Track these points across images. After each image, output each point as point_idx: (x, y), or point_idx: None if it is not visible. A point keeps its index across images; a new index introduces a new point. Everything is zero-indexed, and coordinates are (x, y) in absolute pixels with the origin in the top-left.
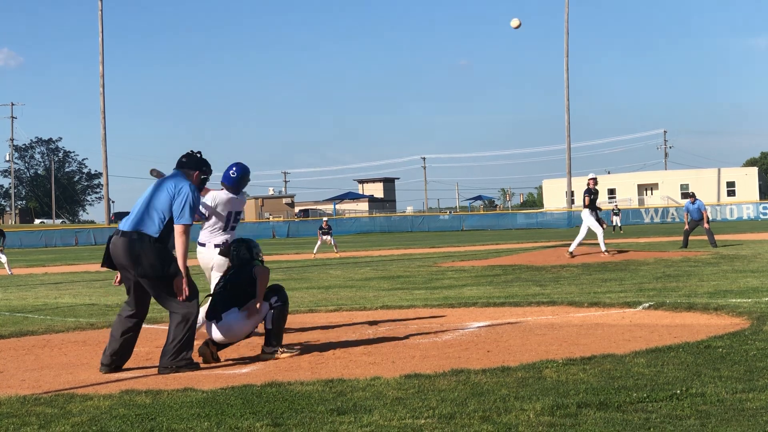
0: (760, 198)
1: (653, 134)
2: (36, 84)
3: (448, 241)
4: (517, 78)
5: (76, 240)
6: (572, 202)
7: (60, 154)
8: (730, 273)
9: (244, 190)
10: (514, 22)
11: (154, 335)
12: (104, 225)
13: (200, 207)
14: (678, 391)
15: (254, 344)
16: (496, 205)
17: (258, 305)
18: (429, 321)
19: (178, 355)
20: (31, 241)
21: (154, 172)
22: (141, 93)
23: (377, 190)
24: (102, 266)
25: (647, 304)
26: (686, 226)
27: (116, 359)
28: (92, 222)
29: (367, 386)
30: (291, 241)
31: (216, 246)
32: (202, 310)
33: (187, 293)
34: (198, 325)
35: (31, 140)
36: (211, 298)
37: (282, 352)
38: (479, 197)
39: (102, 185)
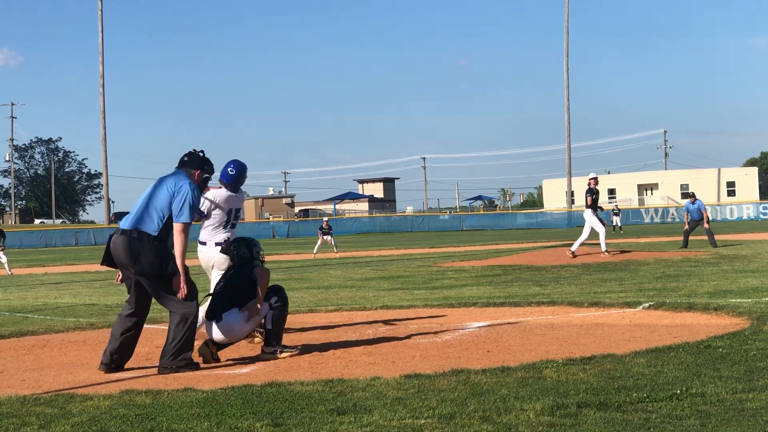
0: (760, 198)
1: (653, 134)
2: (36, 84)
3: (448, 241)
4: (517, 78)
5: (76, 240)
6: (572, 202)
7: (60, 154)
8: (730, 273)
9: (242, 187)
10: None
11: (154, 335)
12: (104, 225)
13: (200, 206)
14: (678, 391)
15: (254, 344)
16: (496, 205)
17: (258, 306)
18: (429, 321)
19: (178, 356)
20: (31, 241)
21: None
22: (141, 93)
23: (377, 190)
24: (101, 264)
25: (647, 304)
26: (686, 226)
27: (116, 358)
28: (92, 222)
29: (367, 386)
30: (291, 241)
31: (217, 244)
32: (202, 310)
33: (185, 292)
34: (198, 325)
35: (31, 140)
36: (211, 297)
37: (282, 352)
38: (479, 197)
39: (102, 185)
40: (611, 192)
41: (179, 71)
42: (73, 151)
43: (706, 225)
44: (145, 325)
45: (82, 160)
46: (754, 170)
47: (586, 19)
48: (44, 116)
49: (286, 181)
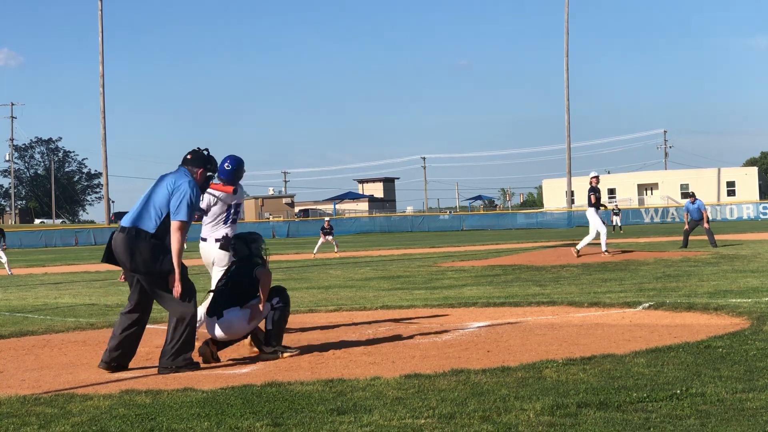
0: (760, 198)
1: (653, 134)
2: (36, 84)
3: (448, 241)
4: (517, 78)
5: (76, 240)
6: (572, 202)
7: (60, 154)
8: (730, 273)
9: (240, 183)
10: None
11: (154, 335)
12: (104, 225)
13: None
14: (678, 391)
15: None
16: (496, 205)
17: (261, 307)
18: (429, 321)
19: (177, 356)
20: (31, 241)
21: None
22: (141, 93)
23: (377, 190)
24: (102, 261)
25: (647, 304)
26: (686, 226)
27: (116, 357)
28: (92, 222)
29: (367, 386)
30: (291, 241)
31: (216, 240)
32: (203, 309)
33: (179, 290)
34: (198, 325)
35: (31, 140)
36: (212, 294)
37: (283, 353)
38: (479, 197)
39: (102, 185)
40: (611, 192)
41: (179, 71)
42: (73, 151)
43: (706, 225)
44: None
45: (82, 160)
46: (754, 170)
47: (586, 19)
48: (44, 116)
49: (286, 181)
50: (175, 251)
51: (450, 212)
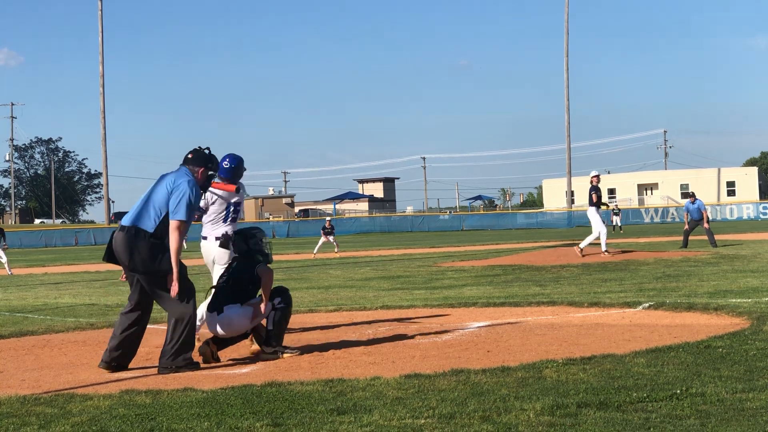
0: (760, 198)
1: (653, 134)
2: (36, 84)
3: (448, 241)
4: (517, 78)
5: (76, 240)
6: (572, 201)
7: (60, 154)
8: (730, 273)
9: (241, 181)
10: None
11: (153, 335)
12: (104, 225)
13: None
14: (678, 391)
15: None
16: (496, 205)
17: (263, 306)
18: (429, 321)
19: (177, 356)
20: (31, 241)
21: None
22: (141, 93)
23: (377, 190)
24: (103, 260)
25: (647, 304)
26: (686, 226)
27: (116, 356)
28: (92, 222)
29: (367, 386)
30: (291, 241)
31: (216, 239)
32: (203, 308)
33: (176, 290)
34: (199, 325)
35: (31, 140)
36: (213, 291)
37: (283, 353)
38: (479, 197)
39: (102, 185)
40: (611, 192)
41: (179, 71)
42: (73, 151)
43: (706, 225)
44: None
45: (82, 160)
46: (754, 170)
47: (586, 19)
48: (44, 116)
49: (286, 181)
50: (173, 250)
51: (450, 212)
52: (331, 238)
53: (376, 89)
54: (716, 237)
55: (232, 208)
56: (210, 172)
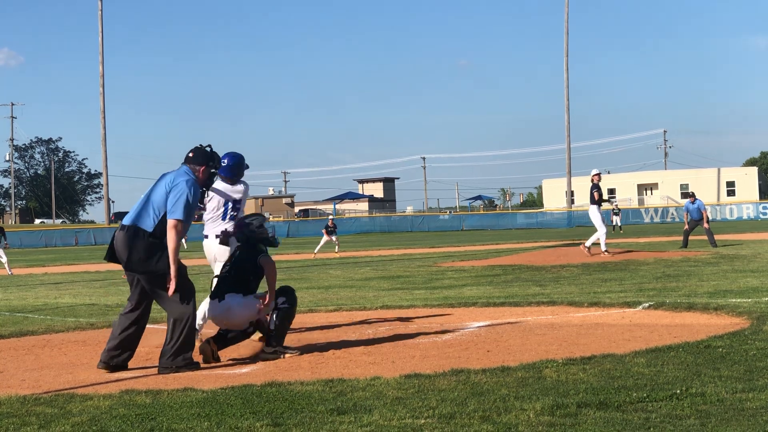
0: (760, 198)
1: (653, 134)
2: (36, 84)
3: (448, 241)
4: (517, 78)
5: (76, 240)
6: (572, 201)
7: (60, 154)
8: (730, 273)
9: (242, 178)
10: None
11: (153, 335)
12: (104, 225)
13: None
14: (678, 391)
15: (254, 344)
16: (496, 205)
17: (267, 300)
18: (429, 321)
19: (177, 356)
20: (31, 241)
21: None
22: (141, 92)
23: (377, 190)
24: (104, 260)
25: (647, 304)
26: (686, 226)
27: (115, 356)
28: (92, 222)
29: (367, 386)
30: (291, 241)
31: (216, 236)
32: (204, 309)
33: (174, 288)
34: (201, 324)
35: (31, 140)
36: (217, 279)
37: (283, 354)
38: (479, 197)
39: (102, 185)
40: (611, 192)
41: (179, 71)
42: (73, 151)
43: (705, 225)
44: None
45: (82, 160)
46: (754, 170)
47: (586, 19)
48: (44, 116)
49: (286, 181)
50: (171, 249)
51: (450, 212)
52: (333, 237)
53: (376, 89)
54: (716, 237)
55: (231, 206)
56: (212, 170)
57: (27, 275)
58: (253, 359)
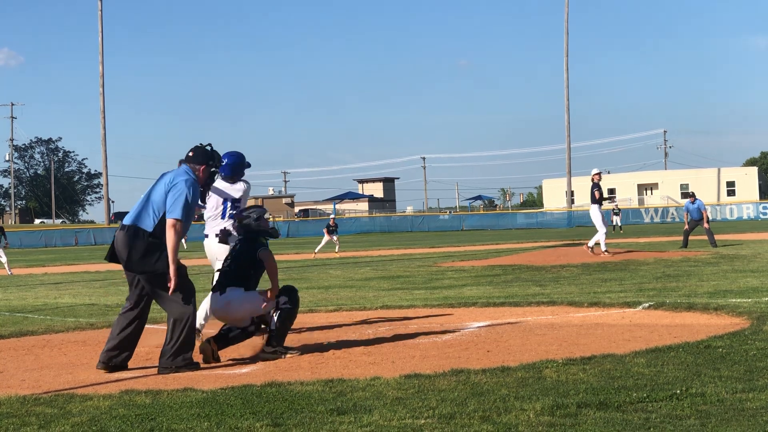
0: (760, 198)
1: (653, 134)
2: (36, 84)
3: (448, 241)
4: (517, 78)
5: (76, 240)
6: (572, 201)
7: (60, 154)
8: (730, 273)
9: (244, 178)
10: None
11: (153, 335)
12: (104, 225)
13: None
14: (678, 391)
15: (254, 344)
16: (496, 205)
17: (270, 295)
18: (429, 321)
19: (177, 356)
20: (31, 241)
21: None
22: (141, 92)
23: (377, 190)
24: (105, 259)
25: (647, 304)
26: (686, 226)
27: (114, 356)
28: (92, 222)
29: (367, 386)
30: (291, 241)
31: (216, 235)
32: (204, 309)
33: (173, 287)
34: (203, 324)
35: (31, 140)
36: (219, 273)
37: (283, 354)
38: (479, 197)
39: (102, 185)
40: (611, 192)
41: (179, 71)
42: (73, 151)
43: (706, 225)
44: (146, 325)
45: (82, 160)
46: (754, 170)
47: (586, 19)
48: (44, 116)
49: (286, 181)
50: (170, 249)
51: (450, 212)
52: (334, 237)
53: (376, 89)
54: (716, 237)
55: (230, 205)
56: (212, 169)
57: (27, 275)
58: (253, 359)
